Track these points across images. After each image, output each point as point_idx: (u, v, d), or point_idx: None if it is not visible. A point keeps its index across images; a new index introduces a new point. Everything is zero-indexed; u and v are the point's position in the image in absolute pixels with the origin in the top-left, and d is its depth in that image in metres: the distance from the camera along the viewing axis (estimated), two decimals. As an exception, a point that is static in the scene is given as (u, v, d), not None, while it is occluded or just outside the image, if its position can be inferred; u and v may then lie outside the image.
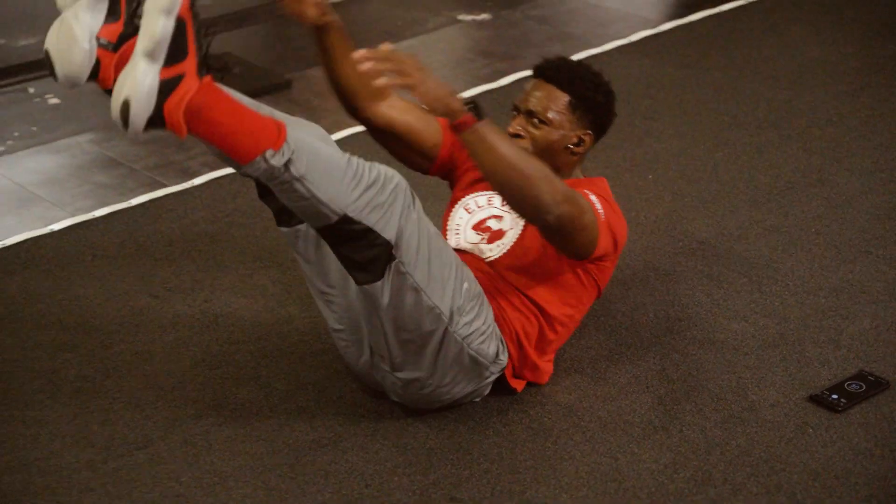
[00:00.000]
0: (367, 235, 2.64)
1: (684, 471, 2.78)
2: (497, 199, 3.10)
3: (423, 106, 2.64)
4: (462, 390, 2.94)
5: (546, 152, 2.98)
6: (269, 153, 2.49)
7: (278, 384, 3.12)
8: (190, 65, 2.43)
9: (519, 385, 3.03)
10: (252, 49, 5.47)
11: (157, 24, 2.36)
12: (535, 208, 2.71)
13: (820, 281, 3.49)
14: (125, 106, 2.37)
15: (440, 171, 3.25)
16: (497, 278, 2.99)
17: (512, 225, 3.06)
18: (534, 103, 3.00)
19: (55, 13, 2.46)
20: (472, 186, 3.16)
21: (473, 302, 2.84)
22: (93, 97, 4.91)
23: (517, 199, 2.72)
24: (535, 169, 2.69)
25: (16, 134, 4.70)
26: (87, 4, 2.44)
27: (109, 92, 2.45)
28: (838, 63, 4.97)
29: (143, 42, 2.38)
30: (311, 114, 4.72)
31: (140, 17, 2.43)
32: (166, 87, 2.40)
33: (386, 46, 2.60)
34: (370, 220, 2.61)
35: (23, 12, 5.87)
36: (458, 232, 3.14)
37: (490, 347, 2.89)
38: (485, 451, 2.86)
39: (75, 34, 2.44)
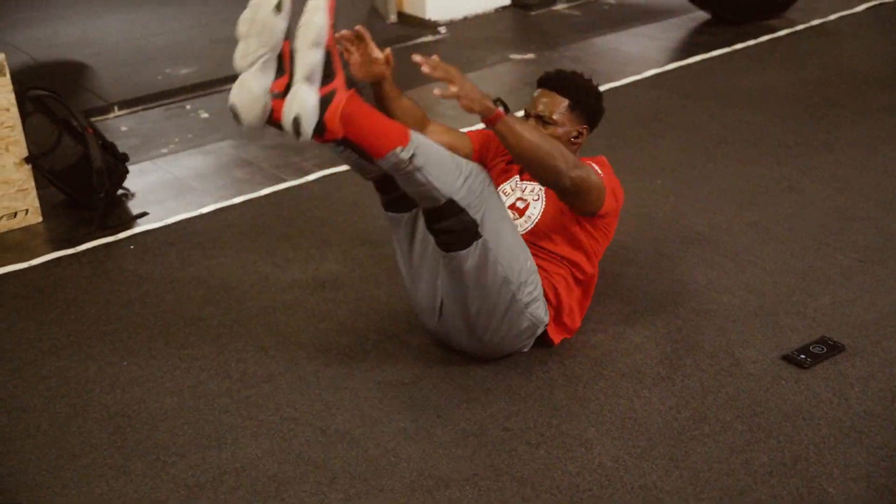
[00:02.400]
0: (460, 214, 2.58)
1: (685, 411, 2.67)
2: (519, 185, 2.98)
3: (463, 106, 2.49)
4: (516, 344, 2.84)
5: None
6: (398, 149, 2.46)
7: (370, 335, 3.03)
8: (339, 82, 2.41)
9: (556, 338, 2.91)
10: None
11: (309, 55, 2.34)
12: (554, 174, 2.63)
13: (790, 265, 3.35)
14: (296, 121, 2.35)
15: None
16: (531, 246, 2.84)
17: (534, 202, 2.93)
18: (541, 108, 2.89)
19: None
20: (499, 178, 3.03)
21: (534, 276, 2.75)
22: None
23: (541, 169, 2.63)
24: (551, 146, 2.61)
25: (176, 140, 4.64)
26: (260, 68, 2.41)
27: (277, 125, 2.44)
28: (802, 98, 4.80)
29: (300, 71, 2.35)
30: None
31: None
32: (325, 101, 2.38)
33: (435, 57, 2.50)
34: (465, 202, 2.56)
35: (183, 49, 5.82)
36: None
37: (541, 312, 2.79)
38: (530, 392, 2.76)
39: (255, 93, 2.42)
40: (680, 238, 3.51)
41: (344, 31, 2.65)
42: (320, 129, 2.39)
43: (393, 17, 6.28)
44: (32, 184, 3.85)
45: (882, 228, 3.56)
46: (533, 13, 6.41)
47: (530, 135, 2.57)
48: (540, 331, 2.86)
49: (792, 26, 5.84)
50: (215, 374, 2.89)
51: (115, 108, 5.01)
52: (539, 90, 2.94)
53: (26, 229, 3.84)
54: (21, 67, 5.61)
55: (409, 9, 6.32)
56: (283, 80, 2.43)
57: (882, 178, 3.96)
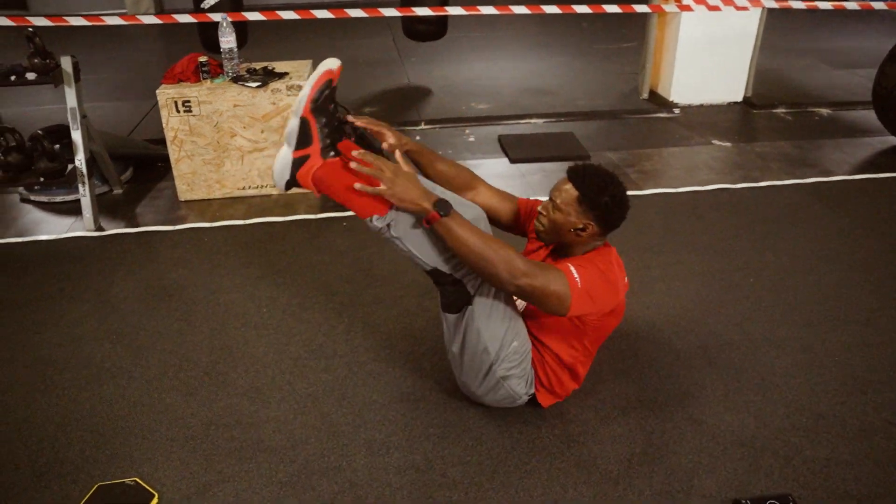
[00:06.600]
0: (456, 283, 1.78)
1: (599, 525, 1.70)
2: None
3: (395, 206, 1.68)
4: (499, 403, 1.99)
5: (557, 229, 1.87)
6: (375, 216, 1.71)
7: (427, 342, 2.28)
8: (314, 149, 1.71)
9: (545, 403, 2.01)
10: (588, 135, 4.38)
11: (290, 122, 1.70)
12: (495, 281, 1.70)
13: (812, 406, 2.09)
14: (272, 172, 1.74)
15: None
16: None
17: None
18: (555, 194, 1.87)
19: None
20: (528, 256, 2.05)
21: (517, 356, 1.88)
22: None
23: (482, 273, 1.70)
24: (494, 252, 1.67)
25: (438, 152, 4.00)
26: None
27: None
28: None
29: (284, 136, 1.72)
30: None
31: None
32: (297, 163, 1.72)
33: (373, 155, 1.69)
34: (458, 275, 1.76)
35: (495, 90, 5.11)
36: None
37: (521, 388, 1.93)
38: (490, 448, 1.92)
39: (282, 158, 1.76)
40: (732, 343, 2.36)
41: (359, 122, 1.85)
42: (293, 184, 1.75)
43: (645, 95, 5.12)
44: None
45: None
46: (755, 111, 4.92)
47: (470, 238, 1.67)
48: (519, 402, 1.98)
49: (970, 168, 3.94)
50: (312, 333, 2.33)
51: (423, 123, 4.48)
52: (563, 178, 1.91)
53: (304, 194, 3.48)
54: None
55: (660, 90, 5.11)
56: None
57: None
